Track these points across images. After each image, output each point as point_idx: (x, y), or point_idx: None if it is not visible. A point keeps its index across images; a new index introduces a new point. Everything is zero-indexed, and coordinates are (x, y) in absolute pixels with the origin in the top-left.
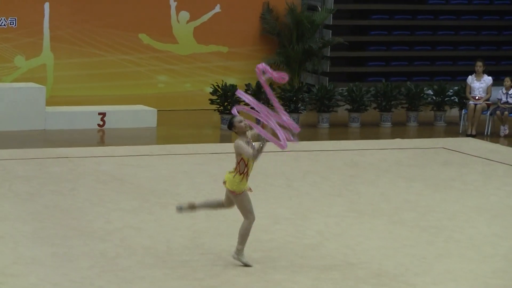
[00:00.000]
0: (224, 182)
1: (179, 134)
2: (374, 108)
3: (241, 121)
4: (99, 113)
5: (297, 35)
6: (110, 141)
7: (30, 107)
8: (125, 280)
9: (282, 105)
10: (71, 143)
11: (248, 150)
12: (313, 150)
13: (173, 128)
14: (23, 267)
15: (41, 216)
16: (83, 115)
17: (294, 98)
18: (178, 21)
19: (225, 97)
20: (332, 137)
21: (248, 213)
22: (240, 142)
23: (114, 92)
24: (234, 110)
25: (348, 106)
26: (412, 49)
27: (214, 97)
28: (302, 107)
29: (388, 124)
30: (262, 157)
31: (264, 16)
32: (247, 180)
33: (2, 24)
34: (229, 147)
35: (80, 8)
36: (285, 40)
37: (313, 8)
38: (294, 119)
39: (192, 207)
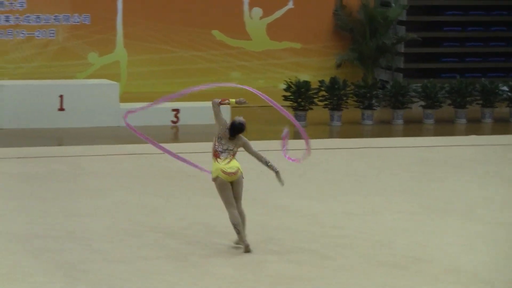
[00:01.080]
0: (233, 174)
1: (251, 130)
2: (449, 104)
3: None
4: (173, 110)
5: (370, 31)
6: (184, 138)
7: (104, 104)
8: (197, 276)
9: (356, 101)
10: (144, 140)
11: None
12: (387, 147)
13: (247, 124)
14: (96, 263)
15: (113, 212)
16: (157, 112)
17: (368, 94)
18: (251, 18)
19: (298, 94)
20: (406, 133)
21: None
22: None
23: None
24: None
25: (422, 103)
26: (486, 45)
27: (288, 94)
28: (376, 104)
29: (463, 121)
30: (333, 154)
31: (337, 12)
32: None
33: (76, 20)
34: (300, 143)
35: (153, 5)
36: (359, 36)
37: (386, 4)
38: (368, 116)
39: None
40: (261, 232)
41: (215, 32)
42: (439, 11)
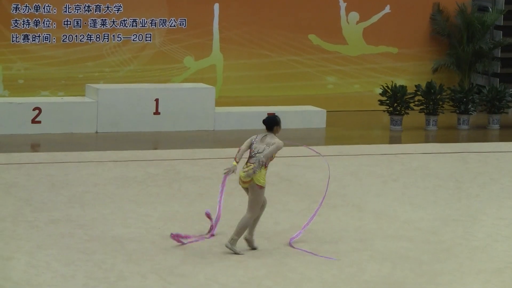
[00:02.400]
0: (245, 181)
1: (348, 135)
2: None
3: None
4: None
5: (467, 36)
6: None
7: (200, 108)
8: (293, 281)
9: (453, 106)
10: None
11: (272, 150)
12: (483, 152)
13: (342, 129)
14: (192, 266)
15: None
16: (252, 116)
17: (465, 99)
18: (348, 22)
19: (394, 98)
20: (502, 138)
21: (256, 207)
22: (282, 143)
23: (283, 93)
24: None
25: None
26: None
27: (384, 98)
28: (472, 108)
29: None
30: (431, 159)
31: (434, 17)
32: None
33: (172, 25)
34: (398, 148)
35: (249, 9)
36: (455, 41)
37: (483, 9)
38: (464, 120)
39: (249, 239)
40: (358, 238)
41: (312, 37)
42: None
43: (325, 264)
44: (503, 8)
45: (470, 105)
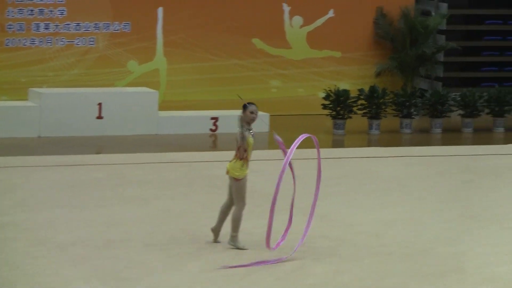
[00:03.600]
0: (227, 172)
1: (291, 138)
2: (487, 113)
3: (252, 112)
4: (212, 118)
5: (410, 40)
6: (223, 146)
7: (143, 112)
8: (239, 285)
9: (395, 110)
10: (183, 148)
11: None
12: (426, 156)
13: (285, 133)
14: (136, 271)
15: (154, 220)
16: (196, 120)
17: (407, 103)
18: (292, 26)
19: (337, 102)
20: (444, 142)
21: (241, 200)
22: (240, 131)
23: (227, 97)
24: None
25: (461, 111)
26: None
27: (327, 102)
28: (415, 112)
29: (501, 130)
30: (374, 162)
31: (377, 21)
32: (247, 167)
33: (116, 29)
34: (341, 152)
35: (193, 13)
36: (399, 45)
37: (426, 13)
38: (407, 124)
39: (215, 230)
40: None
41: (255, 41)
42: (479, 20)
43: (269, 268)
44: (446, 13)
45: (413, 109)
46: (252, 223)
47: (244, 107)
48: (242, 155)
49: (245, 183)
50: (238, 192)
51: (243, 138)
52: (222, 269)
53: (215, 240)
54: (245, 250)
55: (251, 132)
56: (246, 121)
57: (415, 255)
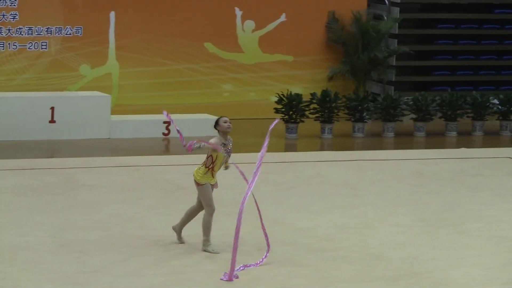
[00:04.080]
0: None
1: (244, 143)
2: (440, 117)
3: (225, 122)
4: (164, 122)
5: (362, 44)
6: (175, 150)
7: (95, 116)
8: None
9: (348, 114)
10: (136, 152)
11: (212, 142)
12: (378, 159)
13: (237, 137)
14: (88, 275)
15: (106, 225)
16: (148, 124)
17: (360, 107)
18: (244, 30)
19: (290, 106)
20: (397, 146)
21: (206, 205)
22: (213, 139)
23: (179, 101)
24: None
25: (414, 116)
26: (478, 59)
27: (279, 106)
28: (367, 116)
29: (454, 134)
30: (327, 166)
31: (329, 25)
32: (212, 176)
33: (68, 33)
34: (294, 156)
35: (146, 17)
36: (351, 49)
37: (378, 17)
38: (359, 128)
39: (176, 230)
40: (254, 246)
41: (208, 45)
42: (431, 24)
43: (220, 272)
44: (398, 17)
45: (365, 113)
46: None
47: (216, 122)
48: (209, 164)
49: (208, 189)
50: (202, 197)
51: (210, 146)
52: (177, 274)
53: (179, 240)
54: (215, 254)
55: (228, 149)
56: (224, 132)
57: (367, 259)
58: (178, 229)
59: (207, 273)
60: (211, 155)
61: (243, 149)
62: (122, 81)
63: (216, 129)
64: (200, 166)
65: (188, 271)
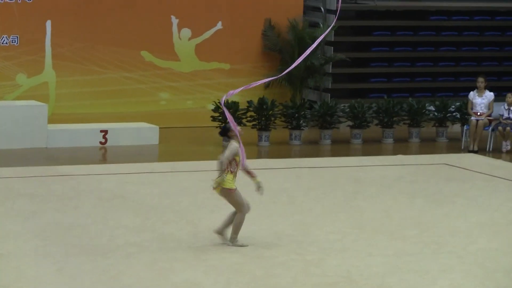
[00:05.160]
0: (215, 188)
1: (181, 151)
2: (376, 124)
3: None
4: (101, 131)
5: (299, 51)
6: (112, 159)
7: (32, 125)
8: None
9: (285, 121)
10: (73, 161)
11: (228, 154)
12: (315, 167)
13: (175, 145)
14: (26, 285)
15: (44, 233)
16: (85, 133)
17: (296, 114)
18: (180, 38)
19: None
20: (334, 153)
21: (242, 206)
22: (233, 145)
23: (116, 110)
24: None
25: (350, 123)
26: (414, 65)
27: (216, 114)
28: (304, 124)
29: (390, 140)
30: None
31: (266, 33)
32: (236, 178)
33: (4, 42)
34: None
35: (82, 26)
36: (287, 57)
37: (314, 25)
38: (296, 136)
39: (219, 233)
40: (192, 253)
41: (144, 53)
42: (367, 31)
43: (157, 280)
44: (334, 24)
45: (301, 121)
46: (146, 235)
47: (228, 128)
48: (234, 168)
49: (238, 192)
50: (236, 202)
51: (231, 151)
52: (115, 282)
53: (223, 240)
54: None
55: (240, 145)
56: (235, 136)
57: (304, 266)
58: (220, 231)
59: (147, 282)
60: (234, 159)
61: (181, 157)
62: (59, 90)
63: (227, 136)
64: (222, 176)
65: (122, 279)
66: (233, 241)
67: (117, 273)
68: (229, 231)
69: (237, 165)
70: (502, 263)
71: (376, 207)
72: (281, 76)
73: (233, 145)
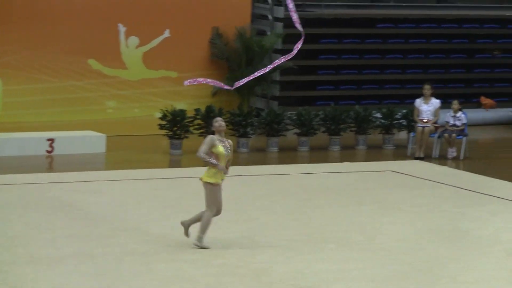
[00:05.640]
0: (201, 179)
1: (128, 159)
2: (323, 131)
3: (216, 121)
4: (48, 139)
5: (246, 59)
6: (59, 167)
7: None
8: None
9: (232, 129)
10: (19, 170)
11: (203, 148)
12: (262, 174)
13: (122, 153)
14: None
15: None
16: (32, 141)
17: (244, 122)
18: (127, 47)
19: (174, 122)
20: (281, 161)
21: (212, 205)
22: (208, 137)
23: (63, 118)
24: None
25: (297, 130)
26: (360, 73)
27: (163, 122)
28: (251, 132)
29: (337, 148)
30: None
31: (213, 41)
32: (221, 177)
33: None
34: (178, 172)
35: (28, 34)
36: (235, 65)
37: (262, 33)
38: (243, 143)
39: (184, 225)
40: (140, 262)
41: (91, 61)
42: (315, 39)
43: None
44: (282, 32)
45: (249, 128)
46: (94, 244)
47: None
48: (216, 162)
49: (217, 190)
50: (209, 198)
51: (206, 144)
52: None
53: (186, 234)
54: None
55: (225, 143)
56: (218, 131)
57: (251, 274)
58: (186, 225)
59: None
60: (212, 152)
61: (128, 166)
62: (5, 98)
63: (213, 130)
64: (207, 169)
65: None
66: (200, 240)
67: (66, 282)
68: (194, 230)
69: (217, 158)
70: (448, 270)
71: (323, 214)
72: (242, 82)
73: (208, 137)
